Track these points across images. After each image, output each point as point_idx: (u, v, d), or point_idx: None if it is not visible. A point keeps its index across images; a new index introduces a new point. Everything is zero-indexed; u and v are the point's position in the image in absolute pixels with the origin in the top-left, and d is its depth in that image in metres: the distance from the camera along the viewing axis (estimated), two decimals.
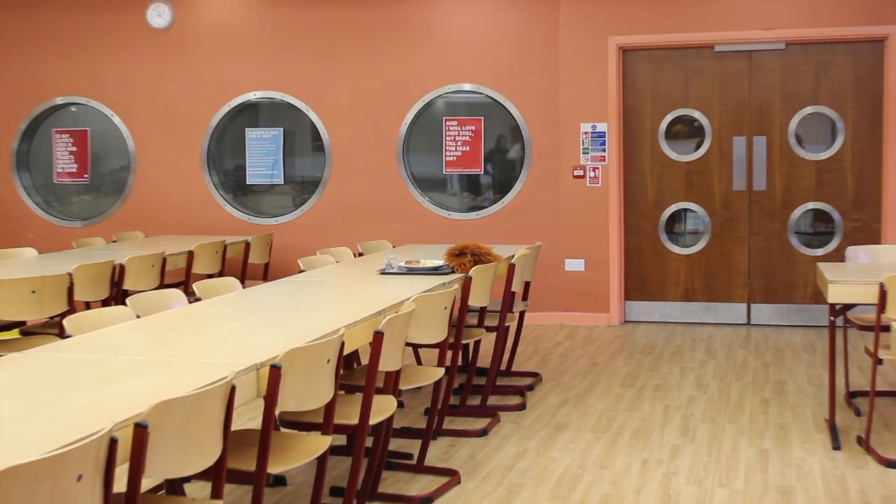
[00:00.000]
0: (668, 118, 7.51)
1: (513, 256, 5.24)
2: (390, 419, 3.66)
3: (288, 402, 2.81)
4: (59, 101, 8.48)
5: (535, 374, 5.86)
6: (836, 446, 4.38)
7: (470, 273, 4.55)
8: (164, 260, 5.89)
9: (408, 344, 3.76)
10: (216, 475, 2.56)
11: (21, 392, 2.42)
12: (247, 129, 8.24)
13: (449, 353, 4.29)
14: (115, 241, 7.19)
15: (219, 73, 8.16)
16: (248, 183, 8.31)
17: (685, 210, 7.57)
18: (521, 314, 5.85)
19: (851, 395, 5.17)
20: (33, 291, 4.69)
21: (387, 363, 3.44)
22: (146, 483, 2.37)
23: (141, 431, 2.14)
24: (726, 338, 7.03)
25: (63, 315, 4.75)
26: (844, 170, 7.28)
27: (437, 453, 4.39)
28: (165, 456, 2.25)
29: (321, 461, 3.11)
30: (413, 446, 4.34)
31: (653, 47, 7.45)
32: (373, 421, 3.36)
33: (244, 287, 4.36)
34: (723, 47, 7.36)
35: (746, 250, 7.47)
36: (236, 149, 8.31)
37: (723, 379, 5.76)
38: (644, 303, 7.67)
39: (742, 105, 7.39)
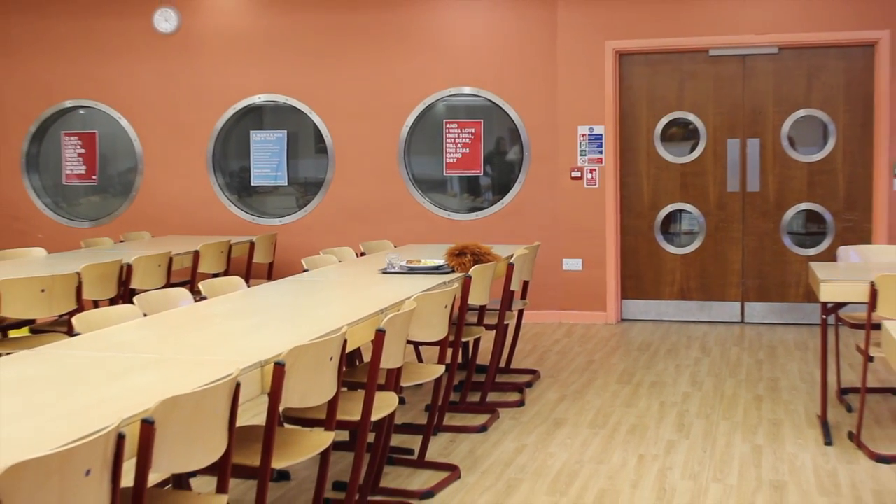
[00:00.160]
0: (664, 121, 7.55)
1: (512, 256, 5.23)
2: (392, 415, 3.67)
3: (291, 399, 2.81)
4: (68, 104, 8.50)
5: (533, 372, 5.87)
6: (828, 442, 4.40)
7: (470, 272, 4.55)
8: (171, 259, 5.86)
9: (409, 342, 3.75)
10: (221, 470, 2.57)
11: (31, 389, 2.43)
12: (251, 132, 8.26)
13: (449, 351, 4.27)
14: (122, 241, 7.16)
15: (224, 77, 8.18)
16: (252, 184, 8.32)
17: (680, 211, 7.60)
18: (520, 313, 5.84)
19: (843, 392, 5.18)
20: (43, 290, 4.68)
21: (388, 360, 3.44)
22: (153, 478, 2.37)
23: (148, 427, 2.14)
24: (720, 336, 7.05)
25: (72, 313, 4.76)
26: (836, 171, 7.32)
27: (438, 449, 4.40)
28: (172, 451, 2.25)
29: (324, 456, 3.12)
30: (414, 442, 4.36)
31: (649, 51, 7.48)
32: (375, 417, 3.37)
33: (249, 286, 4.35)
34: (717, 52, 7.40)
35: (740, 250, 7.51)
36: (241, 151, 8.33)
37: (717, 376, 5.78)
38: (640, 301, 7.71)
39: (736, 108, 7.43)
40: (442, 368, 4.07)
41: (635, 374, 5.87)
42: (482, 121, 7.87)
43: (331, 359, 3.01)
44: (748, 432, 4.61)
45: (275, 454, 2.79)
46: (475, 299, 4.64)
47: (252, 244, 7.03)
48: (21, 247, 6.55)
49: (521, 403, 5.20)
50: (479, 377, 5.50)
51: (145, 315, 3.51)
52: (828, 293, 4.30)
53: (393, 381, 3.66)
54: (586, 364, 6.19)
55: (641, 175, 7.63)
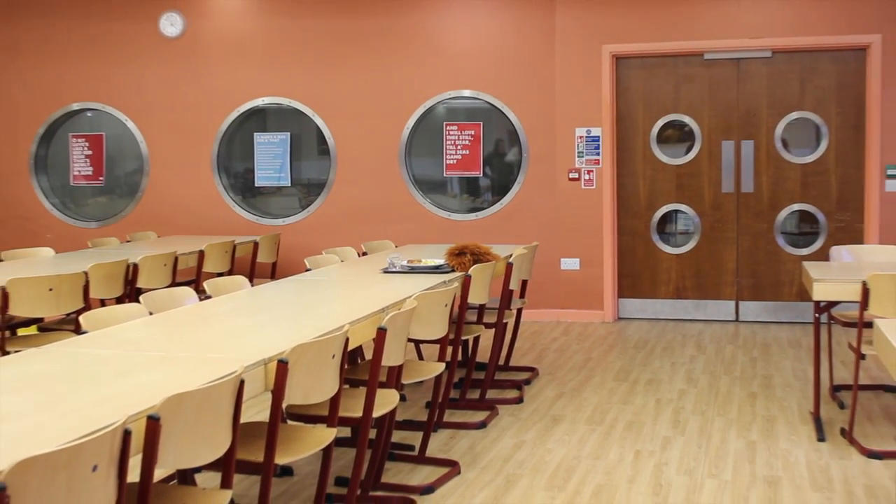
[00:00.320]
0: (660, 123, 7.59)
1: (510, 256, 5.25)
2: (393, 412, 3.67)
3: (294, 396, 2.82)
4: (76, 106, 8.55)
5: (532, 369, 5.88)
6: (821, 438, 4.43)
7: (469, 272, 4.57)
8: (176, 259, 5.89)
9: (409, 340, 3.76)
10: (226, 466, 2.57)
11: (38, 386, 2.43)
12: (255, 134, 8.30)
13: (449, 349, 4.26)
14: (128, 241, 7.20)
15: (228, 80, 8.21)
16: (256, 185, 8.35)
17: (676, 211, 7.64)
18: (519, 311, 5.86)
19: (835, 389, 5.21)
20: (51, 289, 4.72)
21: (389, 358, 3.46)
22: (159, 473, 2.36)
23: (154, 424, 2.15)
24: (715, 334, 7.08)
25: (79, 312, 4.69)
26: (829, 173, 7.36)
27: (438, 445, 4.42)
28: (177, 447, 2.26)
29: (326, 452, 3.14)
30: (415, 438, 4.38)
31: (645, 55, 7.51)
32: (376, 414, 3.39)
33: (252, 285, 4.36)
34: (712, 55, 7.44)
35: (735, 250, 7.55)
36: (245, 152, 8.38)
37: (712, 373, 5.80)
38: (637, 300, 7.75)
39: (730, 110, 7.48)
40: (442, 366, 4.09)
41: (632, 372, 5.89)
42: (482, 123, 7.91)
43: (333, 356, 3.02)
44: (742, 429, 4.64)
45: (278, 450, 2.80)
46: (475, 298, 4.65)
47: (256, 244, 7.07)
48: (30, 246, 6.62)
49: (519, 400, 5.22)
50: (478, 375, 5.53)
51: (151, 314, 3.52)
52: (821, 292, 4.32)
53: (394, 378, 3.67)
54: (584, 362, 6.21)
55: (638, 176, 7.68)
